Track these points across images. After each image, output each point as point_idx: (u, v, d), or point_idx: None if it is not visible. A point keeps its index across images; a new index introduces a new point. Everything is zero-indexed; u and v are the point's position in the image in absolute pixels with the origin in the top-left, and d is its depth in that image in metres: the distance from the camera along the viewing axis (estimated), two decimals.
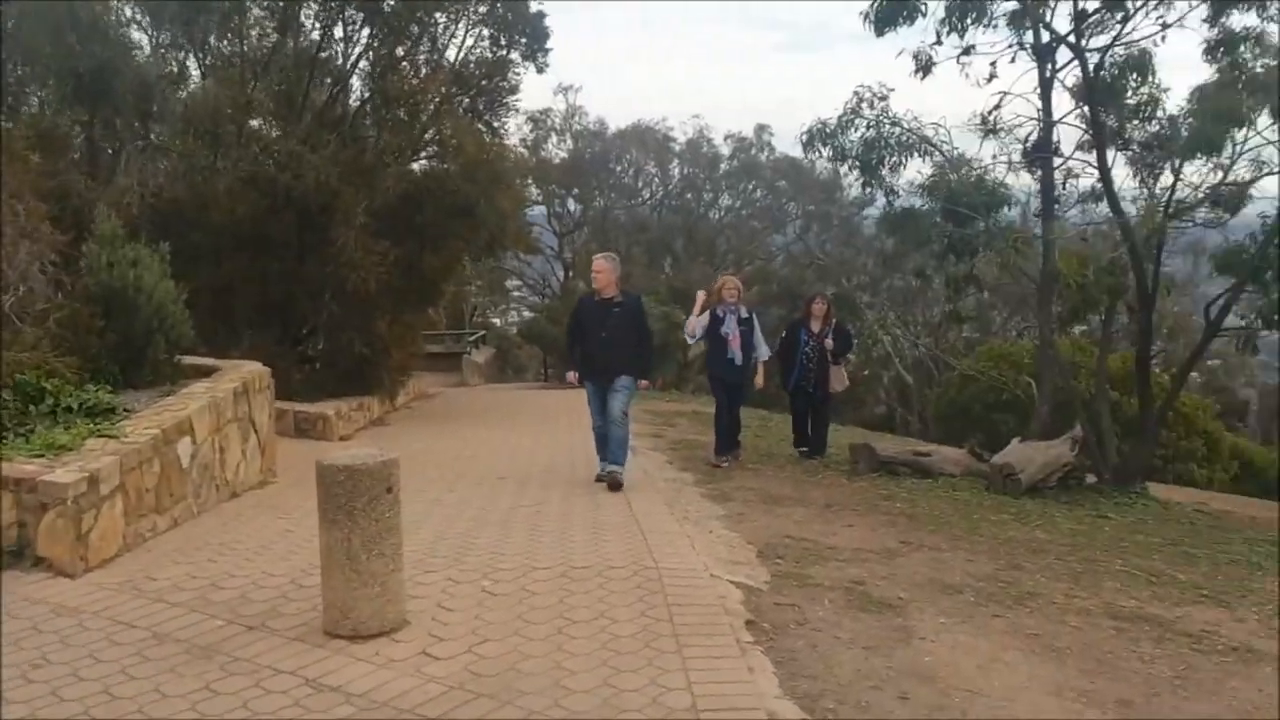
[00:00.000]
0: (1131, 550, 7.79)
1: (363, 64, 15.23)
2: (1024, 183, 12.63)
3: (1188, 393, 20.47)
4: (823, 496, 8.91)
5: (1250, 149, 11.45)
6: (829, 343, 10.66)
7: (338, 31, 14.95)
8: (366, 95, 15.26)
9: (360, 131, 14.98)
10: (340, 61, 15.18)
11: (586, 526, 6.86)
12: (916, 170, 12.25)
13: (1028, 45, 11.48)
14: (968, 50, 11.60)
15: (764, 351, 10.27)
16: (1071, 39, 11.35)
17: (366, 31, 14.87)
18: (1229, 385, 33.21)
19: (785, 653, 4.77)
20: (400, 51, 15.17)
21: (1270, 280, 10.86)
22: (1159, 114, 11.54)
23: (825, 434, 11.20)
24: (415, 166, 15.66)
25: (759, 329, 10.25)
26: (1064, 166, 12.15)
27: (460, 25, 15.67)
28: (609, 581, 5.45)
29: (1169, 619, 5.79)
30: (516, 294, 41.87)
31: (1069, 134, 12.03)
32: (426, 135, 15.19)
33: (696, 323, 10.16)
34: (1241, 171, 11.69)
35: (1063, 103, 11.96)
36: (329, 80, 15.30)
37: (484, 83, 15.69)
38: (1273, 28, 11.10)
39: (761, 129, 32.47)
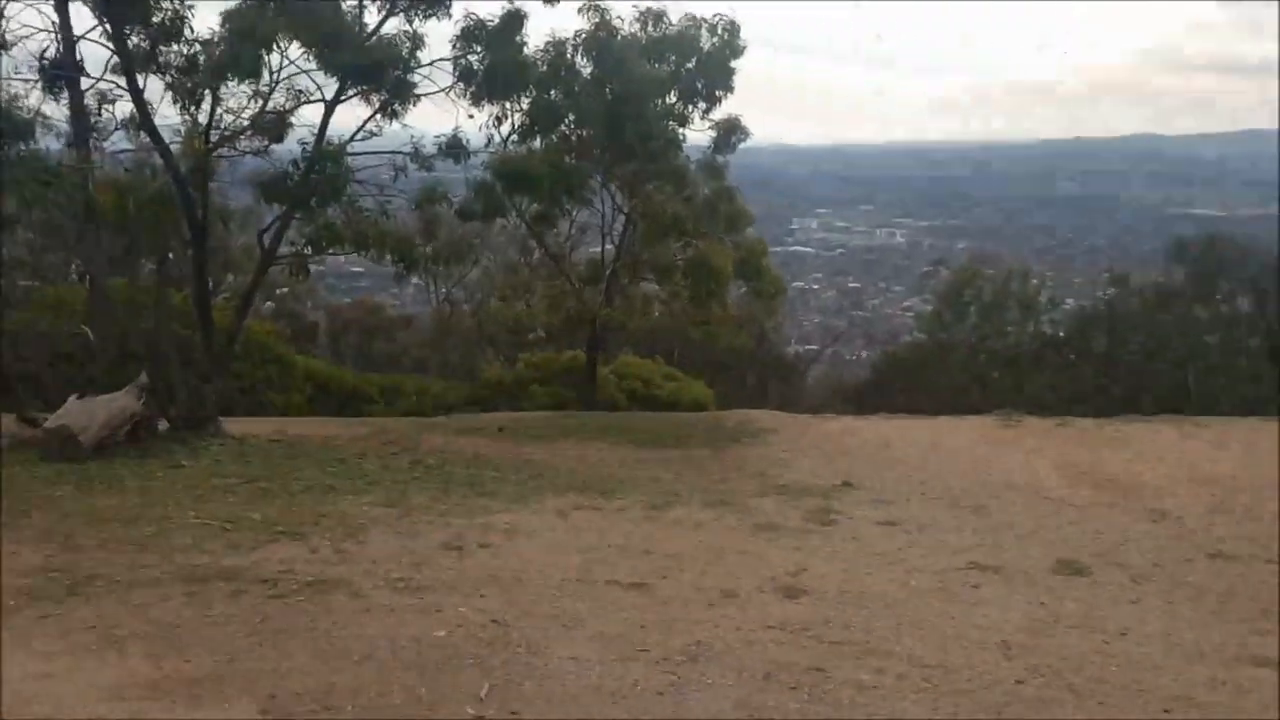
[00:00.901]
0: (206, 498, 7.41)
1: None
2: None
3: (260, 320, 20.98)
4: None
5: (288, 76, 11.66)
6: None
7: None
8: None
9: None
10: None
11: None
12: None
13: None
14: None
15: None
16: None
17: None
18: (299, 309, 35.06)
19: None
20: None
21: (315, 206, 11.28)
22: (188, 34, 11.00)
23: None
24: None
25: None
26: (95, 90, 10.97)
27: None
28: None
29: (244, 567, 5.51)
30: None
31: (100, 54, 10.80)
32: None
33: None
34: (281, 99, 11.87)
35: (86, 18, 10.70)
36: None
37: None
38: None
39: None
